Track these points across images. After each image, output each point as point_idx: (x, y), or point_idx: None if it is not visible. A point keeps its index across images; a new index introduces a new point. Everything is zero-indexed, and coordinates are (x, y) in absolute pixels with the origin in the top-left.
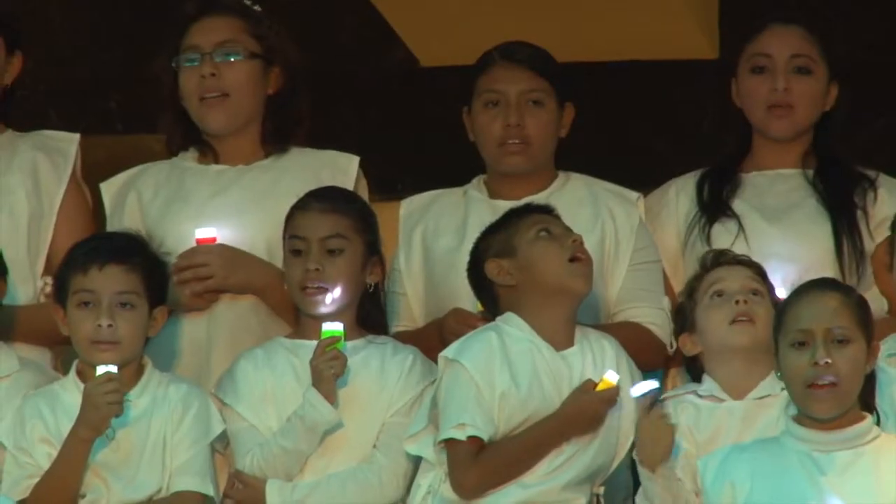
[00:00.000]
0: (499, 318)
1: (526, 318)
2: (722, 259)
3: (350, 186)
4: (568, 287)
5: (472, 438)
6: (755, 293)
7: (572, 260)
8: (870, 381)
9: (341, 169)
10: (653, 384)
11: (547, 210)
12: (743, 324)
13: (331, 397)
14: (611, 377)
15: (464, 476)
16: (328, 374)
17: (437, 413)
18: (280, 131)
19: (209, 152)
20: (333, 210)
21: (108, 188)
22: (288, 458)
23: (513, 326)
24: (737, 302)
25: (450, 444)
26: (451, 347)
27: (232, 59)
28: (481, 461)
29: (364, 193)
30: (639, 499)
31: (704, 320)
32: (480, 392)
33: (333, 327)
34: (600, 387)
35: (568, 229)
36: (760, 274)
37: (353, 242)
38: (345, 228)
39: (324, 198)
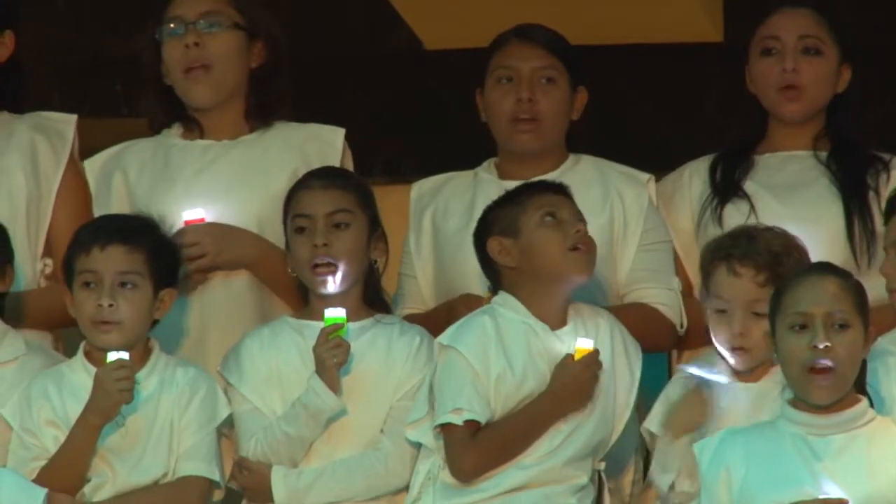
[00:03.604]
0: (494, 300)
1: (523, 299)
2: (724, 248)
3: (336, 159)
4: (566, 276)
5: (469, 422)
6: (760, 300)
7: (573, 249)
8: (863, 365)
9: (327, 142)
10: (722, 378)
11: (559, 190)
12: (739, 355)
13: (334, 386)
14: (583, 344)
15: (461, 459)
16: (331, 363)
17: (435, 399)
18: (263, 106)
19: (194, 127)
20: (336, 186)
21: (92, 165)
22: (291, 444)
23: (507, 308)
24: (737, 349)
25: (446, 428)
26: (446, 333)
27: (215, 30)
28: (478, 443)
29: (349, 165)
30: (654, 472)
31: (710, 327)
32: (476, 376)
33: (336, 314)
34: (577, 356)
35: (575, 214)
36: (775, 263)
37: (357, 217)
38: (349, 203)
39: (324, 175)
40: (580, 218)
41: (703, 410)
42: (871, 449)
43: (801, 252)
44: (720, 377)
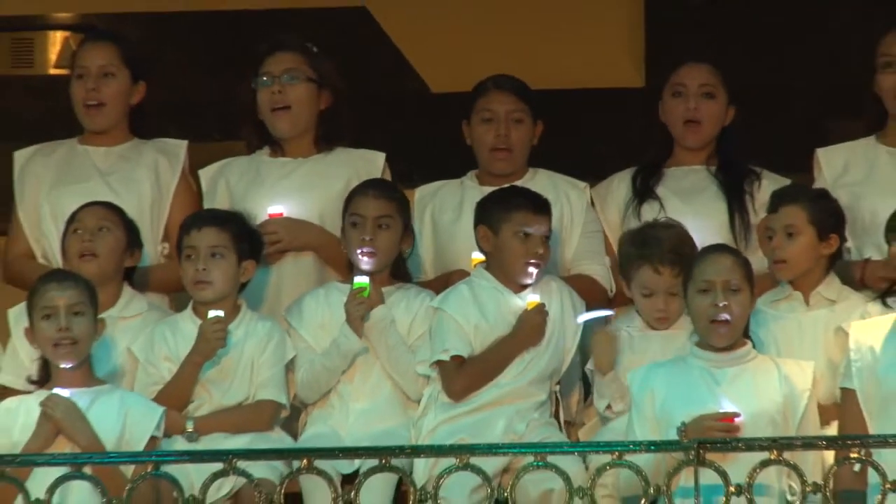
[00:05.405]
0: (473, 274)
1: (494, 273)
2: (647, 256)
3: (378, 174)
4: (518, 279)
5: (455, 357)
6: (675, 292)
7: (528, 263)
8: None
9: (372, 162)
10: (606, 312)
11: (541, 209)
12: (662, 323)
13: (358, 331)
14: (532, 298)
15: (452, 384)
16: (355, 315)
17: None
18: (328, 136)
19: (278, 149)
20: (384, 196)
21: (205, 174)
22: (327, 373)
23: (482, 279)
24: (661, 318)
25: (440, 364)
26: (436, 300)
27: (294, 82)
28: (463, 371)
29: (387, 177)
30: (595, 399)
31: (637, 303)
32: (459, 326)
33: (362, 280)
34: (529, 307)
35: (544, 233)
36: (678, 255)
37: (395, 220)
38: (391, 210)
39: (377, 187)
40: (546, 235)
41: (612, 345)
42: (755, 378)
43: (688, 238)
44: (605, 312)
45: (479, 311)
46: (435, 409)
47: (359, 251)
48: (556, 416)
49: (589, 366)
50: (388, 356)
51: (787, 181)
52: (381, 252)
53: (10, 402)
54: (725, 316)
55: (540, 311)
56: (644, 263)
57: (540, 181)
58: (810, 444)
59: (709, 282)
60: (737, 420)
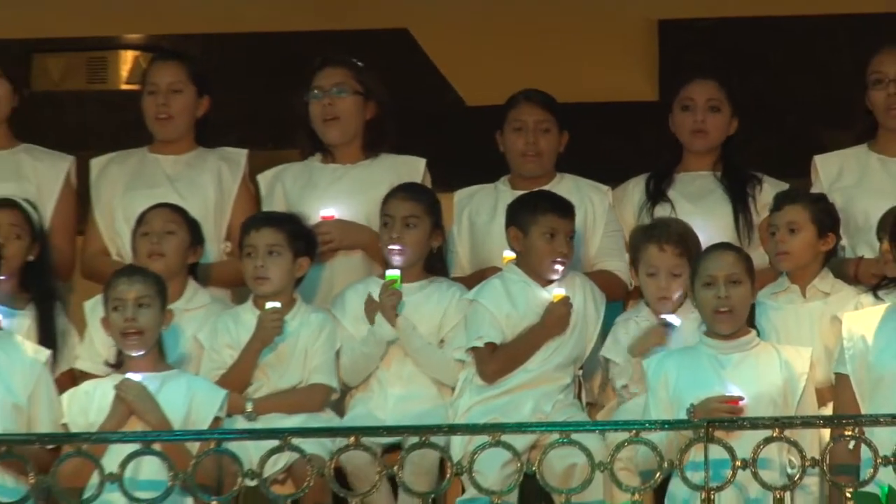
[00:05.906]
0: (504, 269)
1: (524, 269)
2: (654, 236)
3: (419, 179)
4: (545, 275)
5: (488, 343)
6: (677, 273)
7: (554, 262)
8: (752, 308)
9: (414, 167)
10: (675, 320)
11: (566, 212)
12: (663, 303)
13: (391, 320)
14: (558, 291)
15: (485, 368)
16: (387, 305)
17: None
18: (374, 144)
19: (329, 156)
20: (411, 198)
21: (263, 178)
22: (366, 359)
23: (513, 273)
24: (662, 298)
25: (474, 350)
26: (472, 292)
27: (342, 95)
28: (496, 357)
29: (427, 182)
30: (615, 377)
31: (643, 286)
32: (492, 316)
33: (393, 273)
34: (555, 299)
35: (568, 233)
36: (686, 251)
37: (422, 220)
38: (418, 211)
39: (406, 189)
40: (570, 236)
41: (661, 341)
42: (757, 362)
43: (693, 233)
44: (675, 319)
45: (511, 302)
46: (469, 392)
47: (388, 248)
48: (579, 398)
49: (602, 353)
50: (416, 356)
51: (785, 185)
52: (409, 248)
53: (87, 385)
54: (727, 306)
55: (565, 303)
56: (650, 243)
57: (566, 185)
58: (809, 422)
59: (712, 276)
60: (741, 403)
